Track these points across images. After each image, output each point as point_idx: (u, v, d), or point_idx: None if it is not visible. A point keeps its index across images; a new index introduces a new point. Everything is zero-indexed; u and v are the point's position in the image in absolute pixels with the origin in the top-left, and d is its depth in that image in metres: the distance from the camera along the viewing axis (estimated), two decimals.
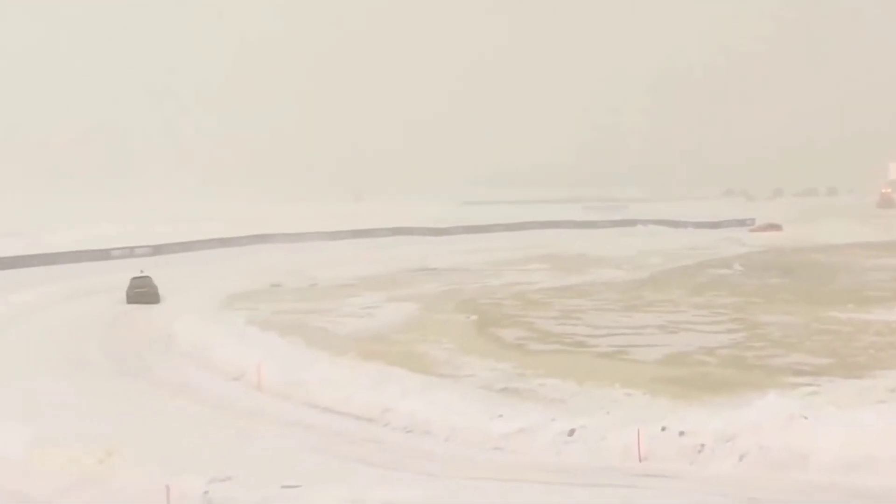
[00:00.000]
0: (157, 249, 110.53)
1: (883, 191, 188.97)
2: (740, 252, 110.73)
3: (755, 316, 60.42)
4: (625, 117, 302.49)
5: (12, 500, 27.34)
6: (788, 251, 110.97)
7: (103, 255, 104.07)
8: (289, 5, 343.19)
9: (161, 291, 72.82)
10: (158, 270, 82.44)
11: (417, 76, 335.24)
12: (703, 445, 29.12)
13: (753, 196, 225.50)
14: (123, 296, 72.05)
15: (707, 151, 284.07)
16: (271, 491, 25.37)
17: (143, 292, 70.85)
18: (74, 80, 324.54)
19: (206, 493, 25.59)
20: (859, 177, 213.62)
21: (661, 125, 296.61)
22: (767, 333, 54.12)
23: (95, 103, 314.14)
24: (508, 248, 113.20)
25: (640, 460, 29.04)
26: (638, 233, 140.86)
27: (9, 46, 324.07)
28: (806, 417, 30.09)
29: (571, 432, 31.15)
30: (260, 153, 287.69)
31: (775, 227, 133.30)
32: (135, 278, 72.73)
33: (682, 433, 29.78)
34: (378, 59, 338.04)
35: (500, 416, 33.28)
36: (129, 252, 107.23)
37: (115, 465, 27.77)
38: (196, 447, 29.48)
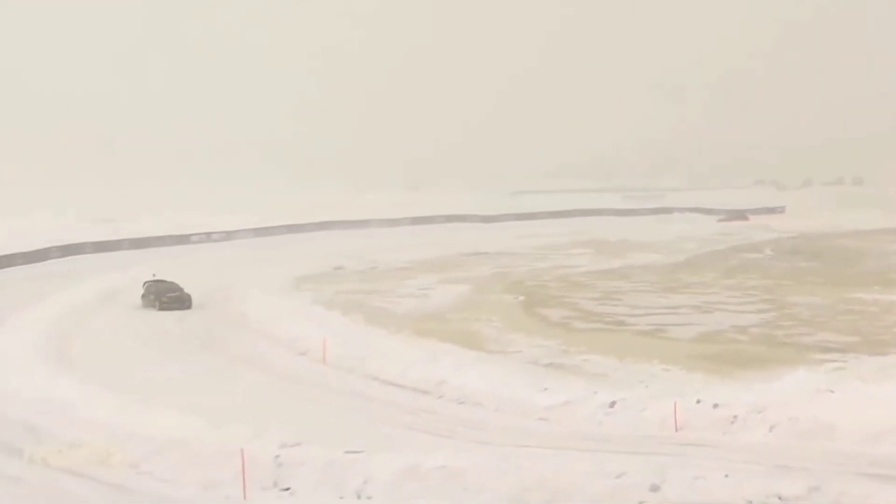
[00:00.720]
0: (230, 235, 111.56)
1: None
2: (770, 238, 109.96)
3: (784, 297, 60.14)
4: (665, 114, 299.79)
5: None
6: (816, 236, 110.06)
7: (183, 239, 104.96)
8: (364, 19, 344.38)
9: (231, 276, 71.33)
10: (230, 253, 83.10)
11: (475, 79, 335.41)
12: (735, 417, 29.14)
13: (784, 185, 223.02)
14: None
15: (741, 143, 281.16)
16: (336, 455, 25.46)
17: (176, 297, 58.84)
18: (167, 80, 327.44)
19: (277, 457, 25.77)
20: (884, 168, 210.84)
21: (698, 121, 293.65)
22: (796, 313, 53.89)
23: (195, 103, 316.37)
24: (554, 234, 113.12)
25: (676, 430, 29.07)
26: (674, 220, 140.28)
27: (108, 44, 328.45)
28: (832, 391, 30.09)
29: (612, 404, 31.27)
30: (336, 149, 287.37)
31: (741, 216, 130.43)
32: (154, 282, 60.77)
33: (715, 405, 29.84)
34: (440, 64, 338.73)
35: (546, 389, 33.49)
36: (206, 237, 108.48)
37: (194, 429, 28.07)
38: (268, 415, 29.73)
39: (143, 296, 59.31)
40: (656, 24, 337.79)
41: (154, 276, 61.95)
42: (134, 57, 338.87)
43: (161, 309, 56.96)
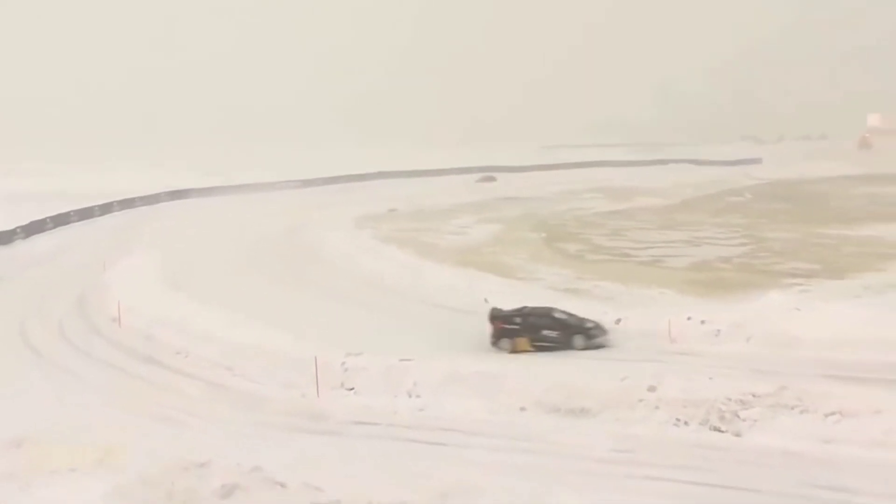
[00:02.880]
0: (306, 183, 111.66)
1: (863, 135, 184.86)
2: (750, 184, 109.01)
3: (761, 233, 59.75)
4: (680, 83, 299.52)
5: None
6: (788, 183, 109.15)
7: (269, 187, 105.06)
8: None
9: (305, 216, 70.26)
10: (306, 198, 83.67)
11: (520, 56, 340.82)
12: (719, 331, 29.17)
13: (762, 140, 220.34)
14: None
15: (729, 107, 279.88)
16: (392, 362, 25.67)
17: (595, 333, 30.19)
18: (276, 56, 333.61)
19: (343, 363, 26.01)
20: (844, 125, 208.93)
21: (703, 89, 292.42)
22: (770, 246, 53.56)
23: (281, 81, 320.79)
24: (571, 181, 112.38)
25: (671, 342, 29.04)
26: (671, 169, 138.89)
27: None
28: (799, 309, 29.98)
29: (618, 321, 31.12)
30: (407, 110, 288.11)
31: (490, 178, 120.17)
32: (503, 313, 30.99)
33: (703, 322, 29.80)
34: (497, 41, 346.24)
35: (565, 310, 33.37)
36: (285, 185, 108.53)
37: (279, 340, 28.47)
38: (337, 331, 29.91)
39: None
40: (675, 13, 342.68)
41: (486, 300, 33.86)
42: (234, 31, 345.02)
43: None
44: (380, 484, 17.33)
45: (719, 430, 20.95)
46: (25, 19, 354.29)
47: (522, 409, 22.86)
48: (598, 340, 29.55)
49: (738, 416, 21.24)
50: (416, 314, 35.12)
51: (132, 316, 34.12)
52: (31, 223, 64.03)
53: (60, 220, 69.43)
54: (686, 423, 21.32)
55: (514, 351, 29.38)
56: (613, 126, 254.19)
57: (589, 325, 30.07)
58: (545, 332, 29.83)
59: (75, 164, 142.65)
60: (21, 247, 58.83)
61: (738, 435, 20.66)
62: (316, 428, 22.49)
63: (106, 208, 79.38)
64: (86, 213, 74.94)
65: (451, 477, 17.87)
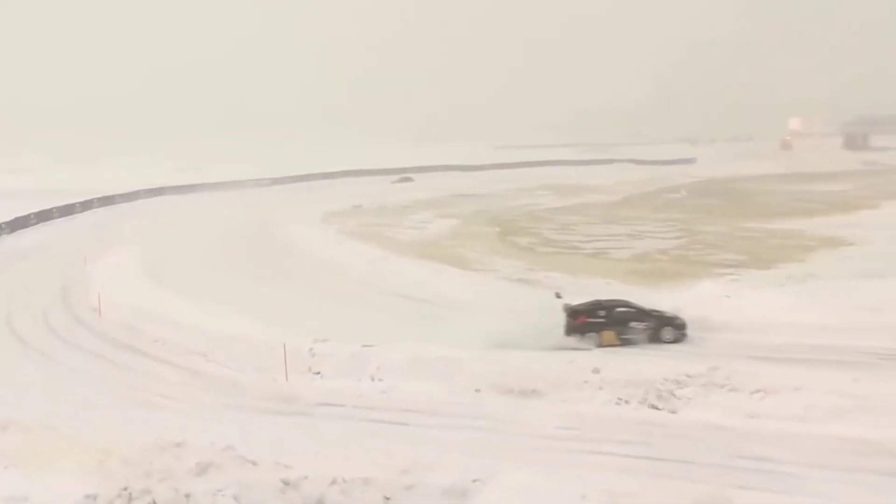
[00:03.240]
0: (276, 181, 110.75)
1: (784, 138, 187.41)
2: (685, 182, 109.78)
3: (695, 227, 60.04)
4: (625, 88, 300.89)
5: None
6: (719, 181, 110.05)
7: (242, 185, 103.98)
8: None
9: (275, 213, 70.07)
10: (274, 195, 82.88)
11: (479, 59, 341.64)
12: None
13: (697, 141, 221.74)
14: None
15: (671, 109, 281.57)
16: (355, 348, 25.53)
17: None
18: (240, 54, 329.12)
19: (310, 349, 25.85)
20: (769, 128, 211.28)
21: (645, 93, 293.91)
22: (703, 239, 53.86)
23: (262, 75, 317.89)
24: (523, 179, 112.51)
25: None
26: (615, 168, 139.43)
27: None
28: (729, 297, 30.26)
29: (558, 294, 30.87)
30: (368, 113, 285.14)
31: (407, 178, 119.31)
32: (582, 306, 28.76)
33: None
34: (458, 48, 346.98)
35: (517, 298, 33.40)
36: (257, 183, 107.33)
37: (250, 328, 28.26)
38: (305, 319, 29.68)
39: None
40: (628, 14, 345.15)
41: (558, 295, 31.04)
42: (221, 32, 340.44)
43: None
44: (345, 461, 17.23)
45: (656, 408, 21.04)
46: (18, 18, 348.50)
47: (478, 390, 22.82)
48: (684, 332, 27.25)
49: (674, 395, 21.35)
50: (380, 304, 34.90)
51: (112, 307, 33.71)
52: (16, 219, 63.08)
53: (43, 216, 68.38)
54: (627, 401, 21.38)
55: (601, 345, 27.06)
56: (563, 127, 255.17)
57: (675, 317, 27.92)
58: (633, 325, 27.65)
59: (62, 162, 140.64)
60: (6, 241, 57.96)
61: (673, 412, 20.77)
62: (285, 409, 22.30)
63: (87, 205, 78.20)
64: (67, 210, 73.83)
65: (412, 454, 17.84)
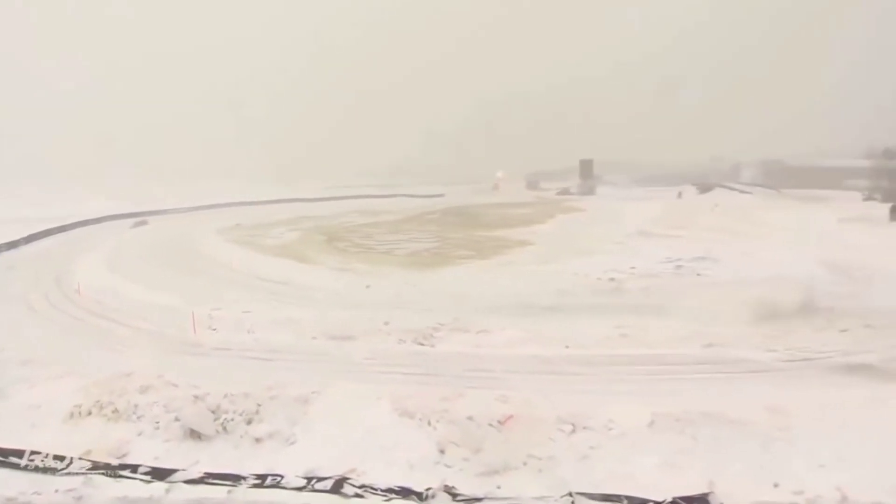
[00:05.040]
0: (192, 209, 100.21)
1: (495, 182, 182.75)
2: (439, 208, 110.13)
3: (446, 234, 61.04)
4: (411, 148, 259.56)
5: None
6: (461, 207, 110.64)
7: (163, 212, 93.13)
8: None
9: (182, 229, 65.56)
10: (175, 222, 77.41)
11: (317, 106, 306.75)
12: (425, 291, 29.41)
13: (448, 183, 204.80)
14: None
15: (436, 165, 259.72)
16: (238, 313, 25.53)
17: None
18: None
19: (209, 314, 25.57)
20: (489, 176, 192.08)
21: (452, 137, 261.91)
22: (450, 242, 54.81)
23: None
24: (345, 207, 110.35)
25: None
26: (400, 200, 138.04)
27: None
28: (475, 277, 31.28)
29: (368, 287, 31.07)
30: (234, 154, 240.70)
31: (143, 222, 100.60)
32: None
33: (415, 285, 30.63)
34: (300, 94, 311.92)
35: (337, 280, 33.48)
36: (173, 211, 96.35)
37: (172, 300, 27.59)
38: (206, 295, 29.30)
39: None
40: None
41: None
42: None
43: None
44: (232, 382, 17.43)
45: (423, 344, 21.90)
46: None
47: (314, 338, 23.08)
48: None
49: (434, 336, 22.55)
50: (252, 285, 34.14)
51: (88, 289, 31.73)
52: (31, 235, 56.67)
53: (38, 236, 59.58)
54: (405, 341, 22.26)
55: None
56: (376, 171, 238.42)
57: None
58: None
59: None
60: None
61: (433, 346, 21.69)
62: (195, 352, 22.07)
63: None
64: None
65: (274, 377, 18.10)
